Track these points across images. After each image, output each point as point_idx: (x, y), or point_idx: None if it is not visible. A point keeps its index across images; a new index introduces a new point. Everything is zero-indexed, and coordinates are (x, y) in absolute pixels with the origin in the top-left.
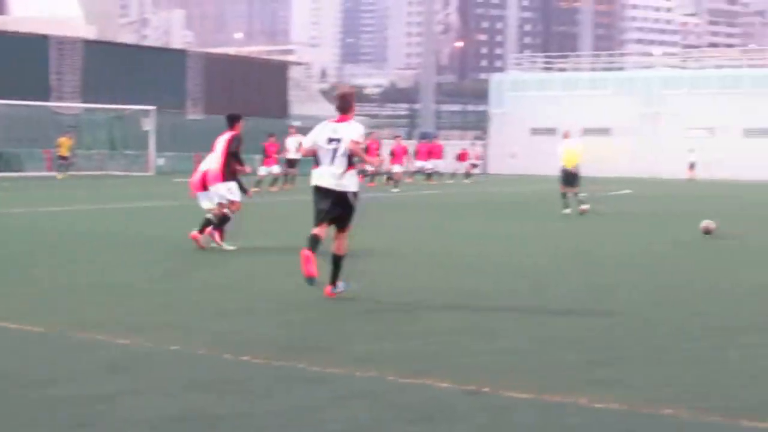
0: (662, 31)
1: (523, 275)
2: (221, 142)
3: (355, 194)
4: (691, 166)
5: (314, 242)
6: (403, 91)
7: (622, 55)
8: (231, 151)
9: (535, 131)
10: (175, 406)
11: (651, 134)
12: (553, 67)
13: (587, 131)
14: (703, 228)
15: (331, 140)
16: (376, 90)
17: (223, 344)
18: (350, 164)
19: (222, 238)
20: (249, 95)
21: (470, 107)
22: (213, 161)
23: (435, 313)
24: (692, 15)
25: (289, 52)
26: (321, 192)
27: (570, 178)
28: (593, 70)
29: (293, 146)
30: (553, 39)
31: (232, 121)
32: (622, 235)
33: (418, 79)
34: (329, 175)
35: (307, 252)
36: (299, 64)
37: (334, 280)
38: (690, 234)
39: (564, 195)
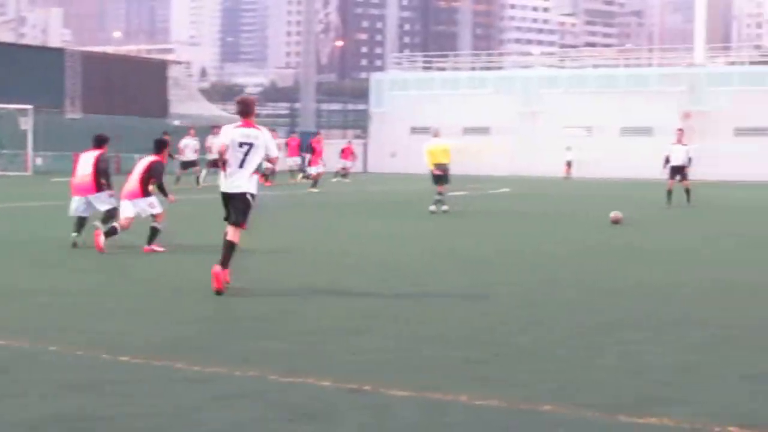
0: (540, 31)
1: (402, 274)
2: (140, 165)
3: (252, 195)
4: (568, 164)
5: (229, 248)
6: (283, 90)
7: (501, 54)
8: (150, 176)
9: (415, 130)
10: (53, 406)
11: (529, 133)
12: (432, 67)
13: (467, 130)
14: (612, 218)
15: (242, 144)
16: (257, 89)
17: (103, 345)
18: (256, 170)
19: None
20: (128, 94)
21: (351, 106)
22: (132, 180)
23: (316, 311)
24: (570, 15)
25: (168, 51)
26: (227, 197)
27: (438, 177)
28: (473, 69)
29: (192, 148)
30: (432, 38)
31: (160, 146)
32: (499, 234)
33: (299, 78)
34: (236, 180)
35: (217, 269)
36: (179, 62)
37: (224, 262)
38: (566, 233)
39: (440, 193)
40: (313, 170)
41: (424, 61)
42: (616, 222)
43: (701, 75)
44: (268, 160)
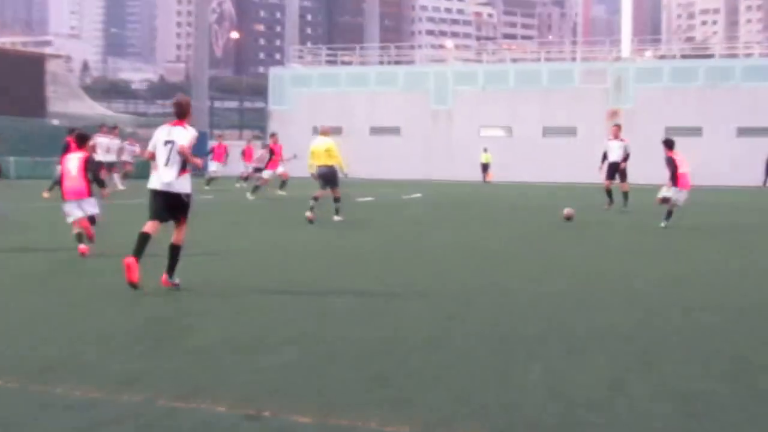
0: (455, 22)
1: (300, 287)
2: (75, 161)
3: (188, 195)
4: (485, 168)
5: (143, 241)
6: (173, 86)
7: (412, 47)
8: (88, 171)
9: (318, 130)
10: None
11: (443, 134)
12: (337, 61)
13: (375, 130)
14: (565, 215)
15: (166, 142)
16: (143, 85)
17: None
18: (184, 167)
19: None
20: (1, 90)
21: (248, 104)
22: (75, 180)
23: (211, 327)
24: (486, 4)
25: (46, 43)
26: (156, 194)
27: (325, 179)
28: (381, 63)
29: (104, 147)
30: (337, 30)
31: (83, 139)
32: (408, 243)
33: (190, 73)
34: (164, 177)
35: (129, 260)
36: (58, 56)
37: (171, 271)
38: (476, 242)
39: (336, 199)
40: (268, 174)
41: (328, 55)
42: (568, 218)
43: (628, 70)
44: (182, 152)
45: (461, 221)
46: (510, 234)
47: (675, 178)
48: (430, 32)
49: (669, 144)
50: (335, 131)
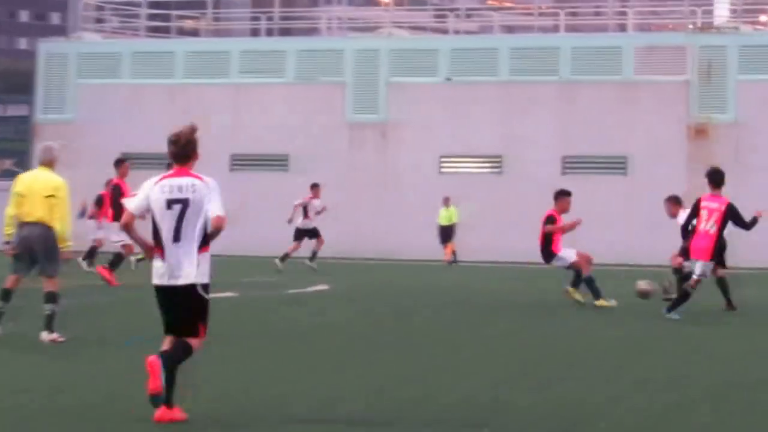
0: None
1: None
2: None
3: (205, 287)
4: (445, 233)
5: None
6: None
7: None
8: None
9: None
10: None
11: (373, 169)
12: (171, 29)
13: (240, 160)
14: (639, 290)
15: (171, 203)
16: None
17: None
18: (206, 243)
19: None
20: None
21: None
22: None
23: None
24: None
25: None
26: (166, 292)
27: (30, 253)
28: (255, 34)
29: None
30: None
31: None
32: None
33: None
34: (175, 262)
35: (153, 359)
36: None
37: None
38: None
39: (51, 297)
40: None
41: (154, 17)
42: (645, 295)
43: (726, 50)
44: (216, 227)
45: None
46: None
47: None
48: None
49: None
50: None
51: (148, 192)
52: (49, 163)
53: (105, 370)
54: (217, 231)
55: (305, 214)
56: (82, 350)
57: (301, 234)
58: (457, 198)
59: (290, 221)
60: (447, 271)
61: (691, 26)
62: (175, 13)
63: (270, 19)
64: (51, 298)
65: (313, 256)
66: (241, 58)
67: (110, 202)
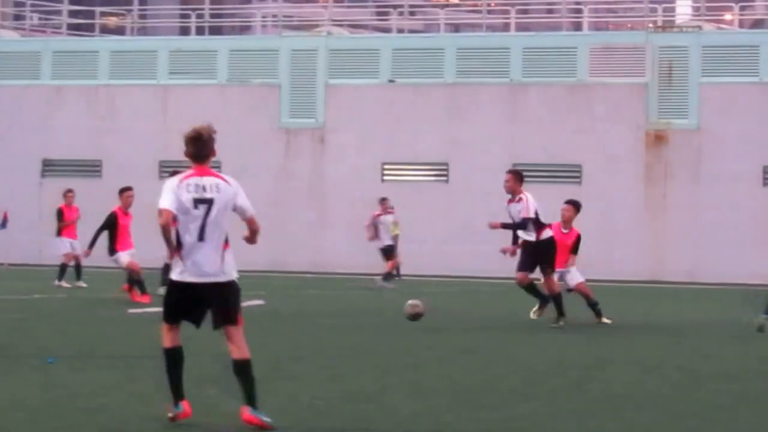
0: None
1: None
2: None
3: (235, 283)
4: (387, 247)
5: (175, 360)
6: None
7: None
8: None
9: (51, 166)
10: None
11: (309, 177)
12: (95, 27)
13: (169, 167)
14: (409, 311)
15: (198, 203)
16: None
17: None
18: (227, 241)
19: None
20: None
21: None
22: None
23: None
24: None
25: None
26: (187, 290)
27: None
28: (183, 32)
29: None
30: None
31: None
32: None
33: None
34: (203, 259)
35: (248, 414)
36: None
37: (252, 400)
38: None
39: None
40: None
41: (75, 14)
42: (414, 317)
43: (688, 50)
44: (247, 223)
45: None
46: None
47: None
48: None
49: None
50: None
51: (176, 190)
52: None
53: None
54: (257, 230)
55: (376, 232)
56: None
57: (388, 250)
58: (401, 208)
59: (371, 239)
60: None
61: (650, 25)
62: (99, 9)
63: (200, 16)
64: None
65: (388, 275)
66: (169, 58)
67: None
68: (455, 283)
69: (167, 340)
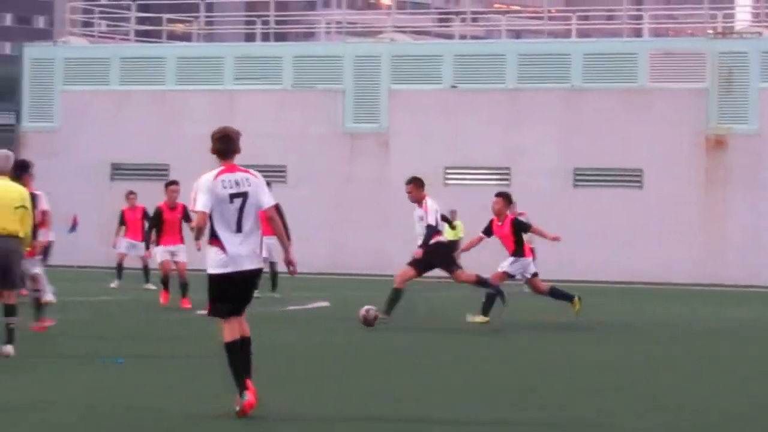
0: None
1: None
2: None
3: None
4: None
5: (237, 350)
6: None
7: (308, 3)
8: None
9: (120, 170)
10: None
11: (372, 180)
12: (162, 34)
13: None
14: (362, 316)
15: (233, 197)
16: None
17: None
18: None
19: None
20: None
21: None
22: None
23: None
24: None
25: None
26: (230, 280)
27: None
28: (248, 39)
29: None
30: None
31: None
32: None
33: None
34: (242, 251)
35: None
36: None
37: (244, 385)
38: None
39: (10, 309)
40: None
41: (143, 21)
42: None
43: (747, 56)
44: (271, 220)
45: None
46: None
47: None
48: None
49: None
50: (153, 171)
51: (211, 188)
52: (8, 172)
53: (81, 386)
54: (278, 219)
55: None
56: (52, 366)
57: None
58: (463, 212)
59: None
60: (452, 288)
61: (710, 31)
62: (165, 16)
63: (265, 23)
64: (14, 310)
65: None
66: (234, 64)
67: (146, 221)
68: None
69: (228, 334)
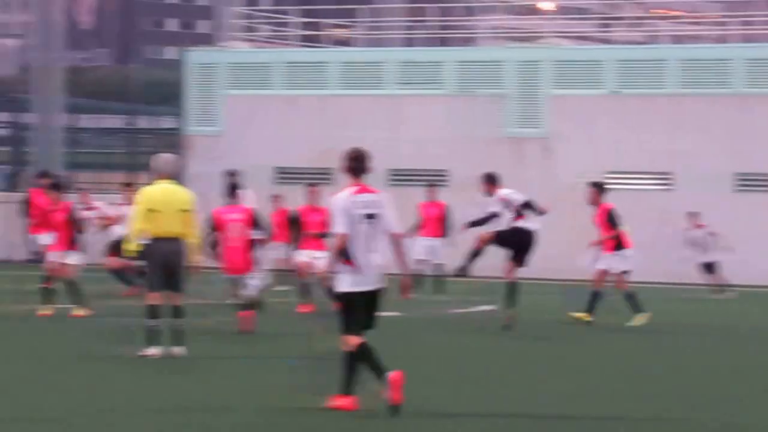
0: None
1: None
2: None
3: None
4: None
5: (367, 352)
6: None
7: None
8: None
9: (284, 174)
10: None
11: (535, 184)
12: (321, 38)
13: (398, 175)
14: None
15: (369, 217)
16: None
17: None
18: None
19: None
20: None
21: (144, 122)
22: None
23: None
24: None
25: None
26: (362, 299)
27: (168, 267)
28: (409, 43)
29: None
30: None
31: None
32: None
33: (28, 62)
34: (375, 271)
35: (394, 375)
36: None
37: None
38: None
39: (177, 312)
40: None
41: (306, 26)
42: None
43: None
44: (399, 242)
45: None
46: None
47: None
48: None
49: None
50: (316, 176)
51: (348, 208)
52: (173, 175)
53: (257, 387)
54: (403, 245)
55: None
56: (222, 367)
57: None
58: (626, 216)
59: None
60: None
61: None
62: (326, 21)
63: (426, 28)
64: (181, 312)
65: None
66: (397, 68)
67: (286, 224)
68: (670, 289)
69: (352, 342)
